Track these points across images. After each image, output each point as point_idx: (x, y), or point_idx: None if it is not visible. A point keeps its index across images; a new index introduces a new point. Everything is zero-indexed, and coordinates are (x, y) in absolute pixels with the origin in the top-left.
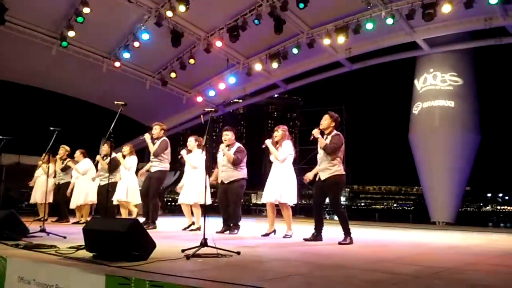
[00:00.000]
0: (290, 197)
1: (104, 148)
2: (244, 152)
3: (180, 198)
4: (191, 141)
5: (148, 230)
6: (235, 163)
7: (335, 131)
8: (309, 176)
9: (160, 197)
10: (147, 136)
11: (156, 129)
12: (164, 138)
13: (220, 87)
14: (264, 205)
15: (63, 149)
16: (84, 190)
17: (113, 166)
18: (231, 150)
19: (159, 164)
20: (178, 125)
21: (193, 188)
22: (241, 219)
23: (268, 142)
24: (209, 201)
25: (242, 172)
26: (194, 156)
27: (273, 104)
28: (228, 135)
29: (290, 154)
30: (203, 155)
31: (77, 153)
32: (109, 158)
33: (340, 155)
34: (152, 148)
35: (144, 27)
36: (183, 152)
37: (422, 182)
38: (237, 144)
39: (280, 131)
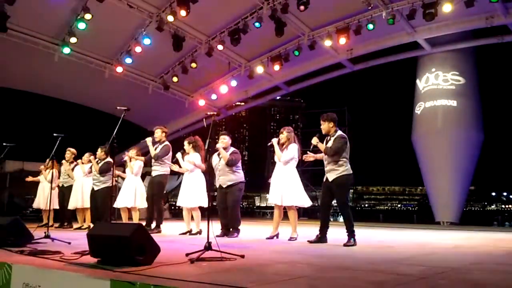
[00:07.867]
0: (299, 199)
1: (98, 153)
2: (239, 154)
3: (179, 201)
4: (186, 145)
5: (152, 234)
6: (230, 163)
7: (338, 132)
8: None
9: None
10: (148, 140)
11: (158, 133)
12: (167, 143)
13: (222, 91)
14: (268, 207)
15: (70, 152)
16: (84, 193)
17: (105, 169)
18: (227, 152)
19: (160, 168)
20: (181, 129)
21: (192, 191)
22: (240, 223)
23: (274, 141)
24: (205, 204)
25: (239, 176)
26: (190, 159)
27: (275, 106)
28: (225, 139)
29: (294, 158)
30: (199, 157)
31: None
32: (103, 161)
33: (345, 155)
34: (153, 152)
35: (145, 32)
36: (178, 155)
37: (426, 182)
38: (232, 148)
39: (285, 133)
